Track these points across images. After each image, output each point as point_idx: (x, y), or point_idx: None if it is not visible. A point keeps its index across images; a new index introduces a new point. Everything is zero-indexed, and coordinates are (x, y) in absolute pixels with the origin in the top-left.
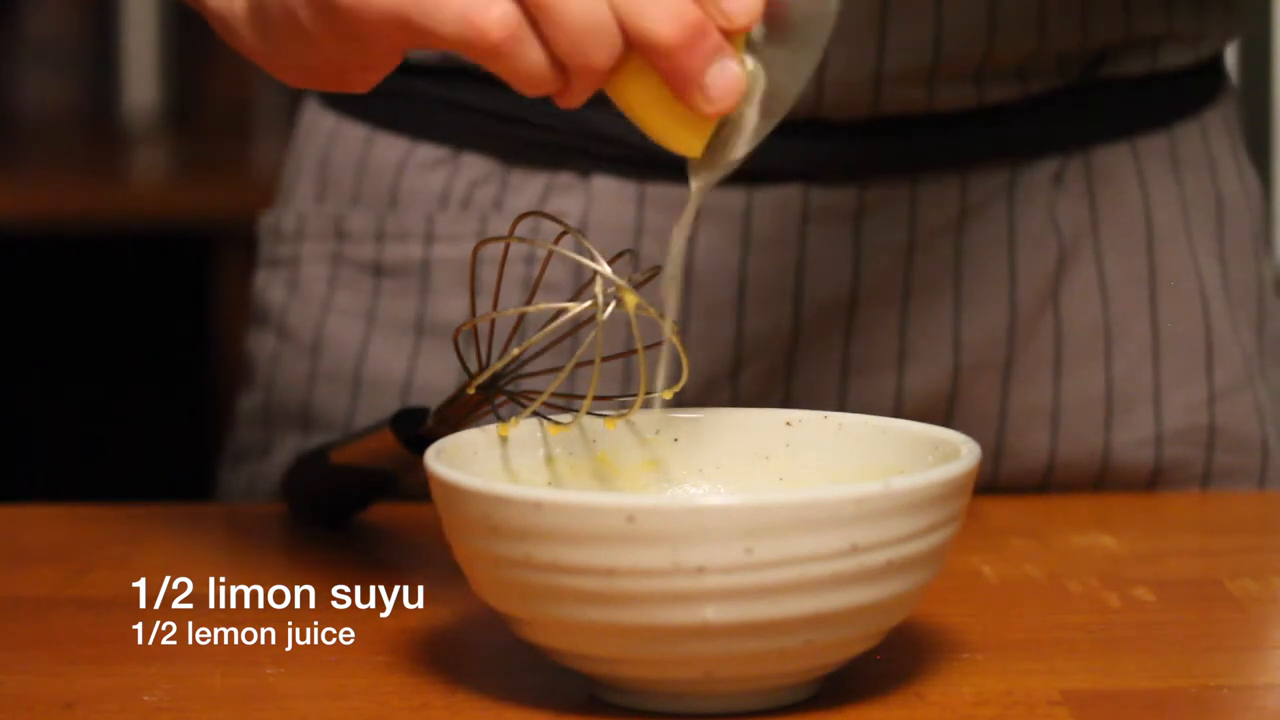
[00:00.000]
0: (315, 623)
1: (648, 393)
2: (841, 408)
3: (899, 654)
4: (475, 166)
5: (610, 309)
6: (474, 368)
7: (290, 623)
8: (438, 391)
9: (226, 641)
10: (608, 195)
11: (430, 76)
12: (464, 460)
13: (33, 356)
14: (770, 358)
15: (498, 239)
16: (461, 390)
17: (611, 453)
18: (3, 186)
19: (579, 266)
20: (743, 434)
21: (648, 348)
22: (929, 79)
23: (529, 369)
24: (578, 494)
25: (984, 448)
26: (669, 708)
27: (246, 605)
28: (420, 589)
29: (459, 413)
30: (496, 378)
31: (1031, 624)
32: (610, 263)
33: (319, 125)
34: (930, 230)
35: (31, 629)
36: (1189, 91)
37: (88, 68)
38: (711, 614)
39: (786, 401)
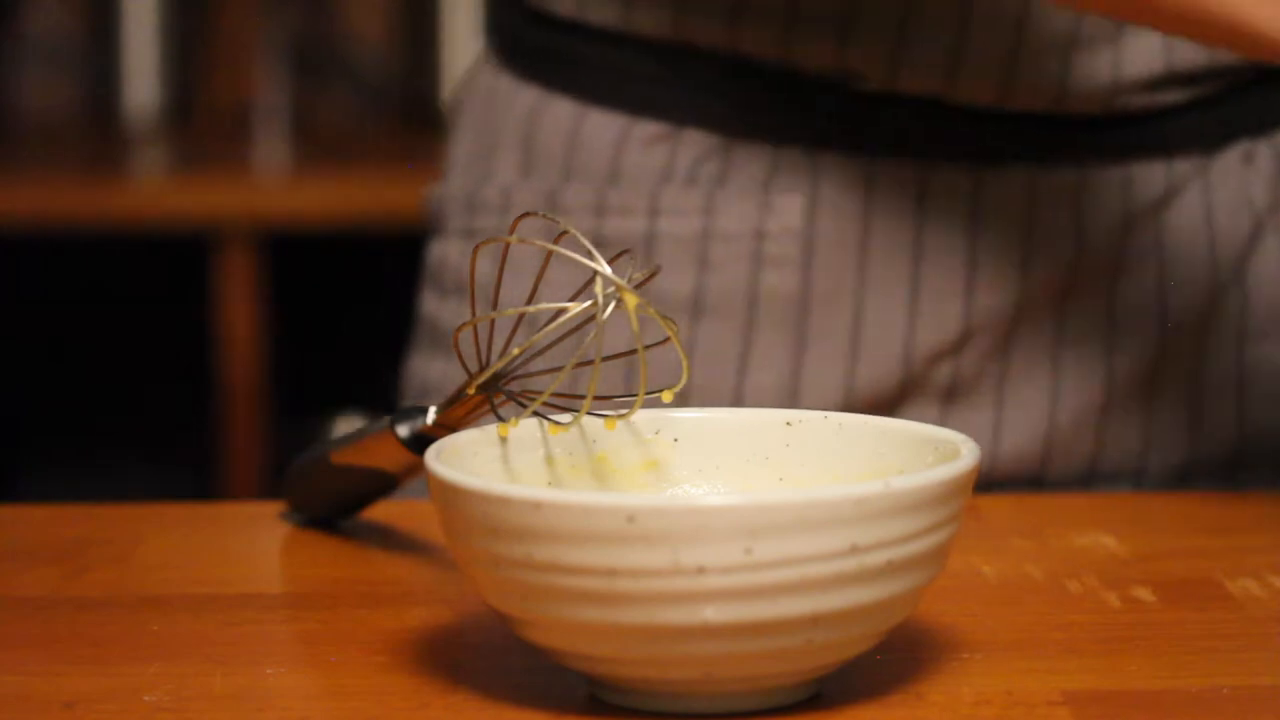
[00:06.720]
0: (315, 623)
1: (648, 393)
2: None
3: (899, 654)
4: (697, 143)
5: (610, 309)
6: (474, 368)
7: (290, 623)
8: (663, 364)
9: (226, 641)
10: (834, 174)
11: (648, 51)
12: (464, 460)
13: (32, 356)
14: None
15: (497, 239)
16: (461, 390)
17: (611, 453)
18: (3, 186)
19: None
20: (743, 434)
21: (648, 347)
22: (1129, 90)
23: (530, 369)
24: (578, 494)
25: (1178, 423)
26: (669, 708)
27: (247, 605)
28: (420, 589)
29: (459, 413)
30: (496, 378)
31: (1031, 624)
32: (610, 263)
33: (516, 98)
34: (1141, 210)
35: (31, 629)
36: None
37: (88, 68)
38: (711, 614)
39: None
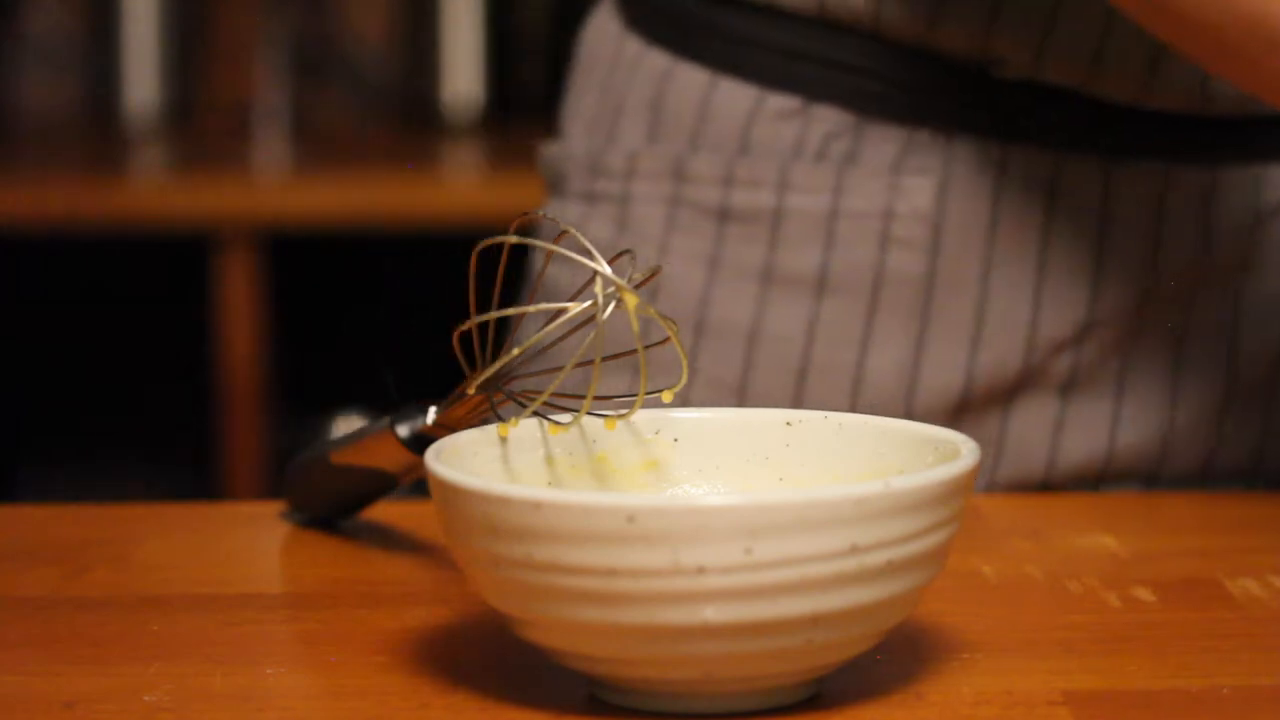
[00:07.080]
0: (315, 623)
1: (648, 393)
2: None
3: (899, 654)
4: (828, 119)
5: (610, 309)
6: (474, 368)
7: (290, 623)
8: (788, 341)
9: (226, 641)
10: (965, 159)
11: (785, 23)
12: (464, 460)
13: (32, 356)
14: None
15: (498, 239)
16: (462, 390)
17: (611, 453)
18: (3, 186)
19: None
20: (743, 434)
21: (649, 347)
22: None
23: (530, 369)
24: (578, 494)
25: None
26: (669, 708)
27: (247, 605)
28: (420, 589)
29: (459, 413)
30: (497, 377)
31: (1031, 624)
32: (610, 263)
33: (645, 61)
34: (1269, 209)
35: (31, 629)
36: None
37: (88, 67)
38: (711, 614)
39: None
